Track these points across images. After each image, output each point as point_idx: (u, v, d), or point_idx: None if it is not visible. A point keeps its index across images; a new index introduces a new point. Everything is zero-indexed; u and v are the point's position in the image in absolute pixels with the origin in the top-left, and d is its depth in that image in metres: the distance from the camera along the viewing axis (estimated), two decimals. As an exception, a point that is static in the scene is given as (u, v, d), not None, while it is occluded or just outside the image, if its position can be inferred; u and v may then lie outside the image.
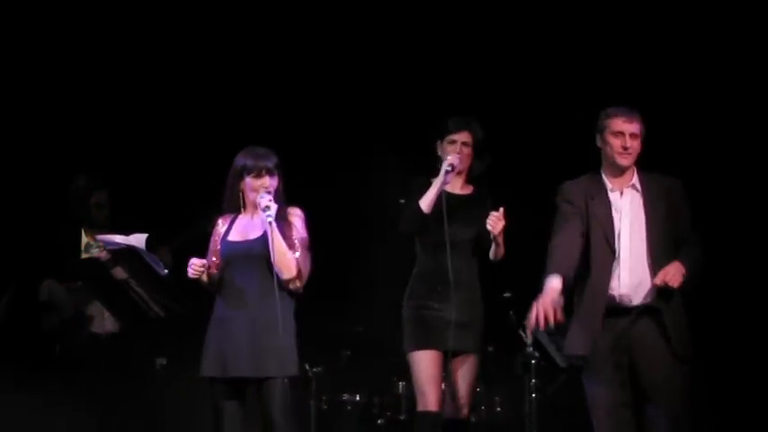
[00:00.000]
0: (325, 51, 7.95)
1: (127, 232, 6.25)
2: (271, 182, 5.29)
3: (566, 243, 5.22)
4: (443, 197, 5.75)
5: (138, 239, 6.06)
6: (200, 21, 7.81)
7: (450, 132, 5.90)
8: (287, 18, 7.89)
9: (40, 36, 7.64)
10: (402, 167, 7.49)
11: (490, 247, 5.76)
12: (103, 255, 5.62)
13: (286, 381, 5.15)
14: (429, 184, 5.80)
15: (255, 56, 7.95)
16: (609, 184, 5.30)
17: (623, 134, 5.22)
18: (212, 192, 6.90)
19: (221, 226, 5.38)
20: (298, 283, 5.26)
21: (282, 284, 5.21)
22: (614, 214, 5.25)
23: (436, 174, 5.80)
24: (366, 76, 7.89)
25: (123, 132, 7.79)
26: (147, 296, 5.61)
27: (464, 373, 5.80)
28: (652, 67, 7.41)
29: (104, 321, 6.46)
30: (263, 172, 5.28)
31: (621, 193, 5.28)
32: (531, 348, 7.25)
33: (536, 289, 6.96)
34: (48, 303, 6.55)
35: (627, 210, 5.25)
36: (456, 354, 5.79)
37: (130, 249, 5.67)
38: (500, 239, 5.69)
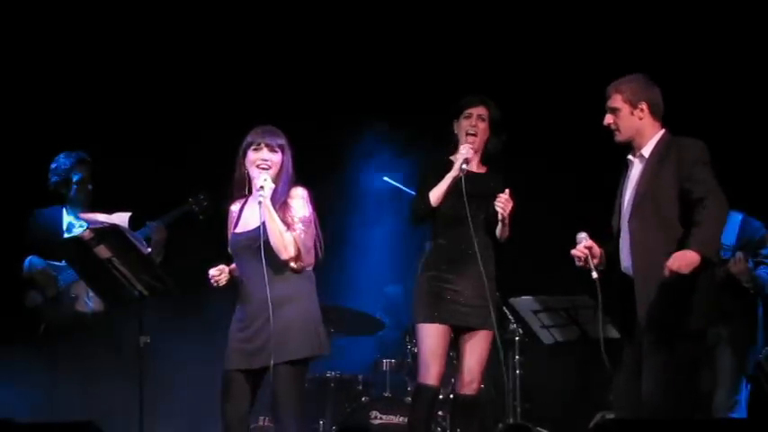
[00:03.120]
0: (316, 31, 7.96)
1: (110, 211, 6.24)
2: (270, 156, 5.26)
3: None
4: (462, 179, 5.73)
5: (121, 218, 6.03)
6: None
7: (467, 107, 5.90)
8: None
9: (17, 17, 7.61)
10: (394, 139, 7.53)
11: (497, 226, 5.78)
12: (86, 234, 5.58)
13: (288, 366, 5.13)
14: (445, 164, 5.79)
15: (236, 32, 7.94)
16: (630, 156, 5.31)
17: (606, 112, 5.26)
18: (197, 171, 6.93)
19: (232, 215, 5.38)
20: (300, 263, 5.21)
21: (286, 266, 5.19)
22: (625, 186, 5.28)
23: (453, 152, 5.80)
24: (364, 48, 7.92)
25: (105, 110, 7.77)
26: (131, 275, 5.58)
27: (474, 348, 5.79)
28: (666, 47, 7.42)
29: (88, 300, 6.44)
30: (262, 145, 5.26)
31: (634, 164, 5.27)
32: (515, 325, 7.29)
33: (520, 266, 7.03)
34: (30, 280, 6.53)
35: (632, 179, 5.25)
36: (468, 330, 5.79)
37: (114, 228, 5.64)
38: (507, 221, 5.71)
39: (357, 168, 7.89)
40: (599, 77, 5.44)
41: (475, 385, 5.80)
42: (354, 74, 7.99)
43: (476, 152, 5.87)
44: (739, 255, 6.38)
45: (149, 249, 5.84)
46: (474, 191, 5.74)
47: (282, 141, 5.31)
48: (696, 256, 4.92)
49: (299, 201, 5.27)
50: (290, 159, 5.33)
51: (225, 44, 7.94)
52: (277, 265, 5.18)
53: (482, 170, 5.95)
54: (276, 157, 5.28)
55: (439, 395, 5.91)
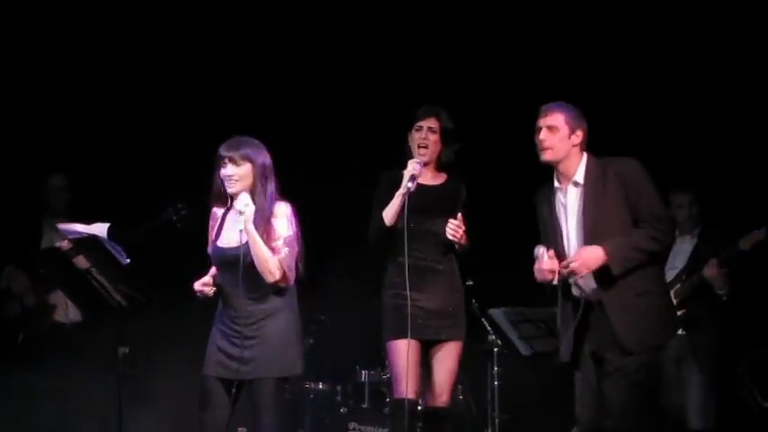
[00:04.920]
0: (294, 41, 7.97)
1: (88, 221, 6.23)
2: (235, 171, 5.11)
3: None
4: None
5: (100, 229, 6.02)
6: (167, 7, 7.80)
7: (417, 119, 5.89)
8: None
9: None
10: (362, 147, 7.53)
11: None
12: (65, 244, 5.57)
13: (270, 380, 5.11)
14: (399, 179, 5.75)
15: (220, 38, 7.94)
16: (556, 183, 5.22)
17: (541, 128, 5.15)
18: (176, 180, 6.90)
19: (215, 217, 5.29)
20: (284, 284, 5.16)
21: (269, 284, 5.13)
22: (560, 213, 5.18)
23: (404, 166, 5.76)
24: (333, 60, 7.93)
25: (84, 121, 7.74)
26: (110, 285, 5.57)
27: (442, 361, 5.79)
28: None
29: (67, 310, 6.43)
30: (226, 161, 5.12)
31: (566, 191, 5.18)
32: (494, 336, 7.31)
33: (497, 277, 7.05)
34: (7, 291, 6.51)
35: (571, 207, 5.16)
36: (435, 342, 5.80)
37: (92, 238, 5.64)
38: (463, 242, 5.72)
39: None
40: (575, 87, 5.46)
41: (444, 397, 5.79)
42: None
43: (427, 164, 5.84)
44: (713, 261, 6.43)
45: (128, 260, 5.83)
46: (429, 205, 5.75)
47: (248, 151, 5.14)
48: (601, 252, 4.92)
49: (283, 220, 5.16)
50: (266, 168, 5.16)
51: (210, 51, 7.93)
52: (259, 282, 5.11)
53: (439, 180, 5.92)
54: (242, 170, 5.13)
55: (417, 407, 5.90)
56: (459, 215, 5.67)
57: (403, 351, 5.67)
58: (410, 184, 5.63)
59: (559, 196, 5.19)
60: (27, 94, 7.59)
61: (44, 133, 7.45)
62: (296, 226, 5.20)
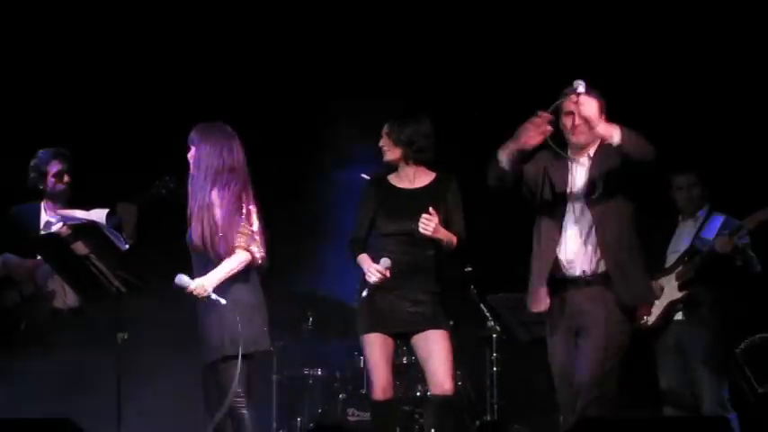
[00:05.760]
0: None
1: (87, 207, 6.22)
2: (189, 155, 5.51)
3: None
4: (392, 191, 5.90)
5: (99, 215, 6.02)
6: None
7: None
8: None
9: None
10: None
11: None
12: (64, 230, 5.56)
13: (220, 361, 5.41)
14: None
15: (208, 27, 7.95)
16: (571, 151, 5.43)
17: (572, 112, 5.33)
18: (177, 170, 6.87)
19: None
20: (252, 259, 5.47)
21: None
22: (568, 180, 5.40)
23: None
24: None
25: (86, 110, 7.75)
26: (108, 271, 5.56)
27: (431, 350, 5.78)
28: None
29: (65, 297, 6.42)
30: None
31: (578, 161, 5.40)
32: (492, 323, 7.31)
33: (496, 264, 7.05)
34: (6, 279, 6.50)
35: (580, 176, 5.38)
36: (413, 334, 5.80)
37: (91, 224, 5.63)
38: (442, 238, 5.75)
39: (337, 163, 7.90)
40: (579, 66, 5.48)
41: (447, 386, 5.77)
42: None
43: (391, 162, 5.94)
44: (724, 234, 6.39)
45: (127, 246, 5.82)
46: (410, 207, 5.78)
47: (193, 135, 5.51)
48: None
49: (217, 210, 5.43)
50: (205, 152, 5.47)
51: (194, 38, 7.94)
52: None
53: (424, 182, 5.94)
54: (190, 155, 5.51)
55: (391, 404, 5.87)
56: (431, 209, 5.68)
57: (373, 345, 5.78)
58: (364, 294, 5.77)
59: (571, 167, 5.40)
60: (32, 87, 7.62)
61: (48, 124, 7.45)
62: (229, 205, 5.43)
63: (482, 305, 7.23)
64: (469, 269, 7.12)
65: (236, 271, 5.42)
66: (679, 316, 6.55)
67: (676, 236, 6.70)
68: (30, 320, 6.43)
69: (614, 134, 5.15)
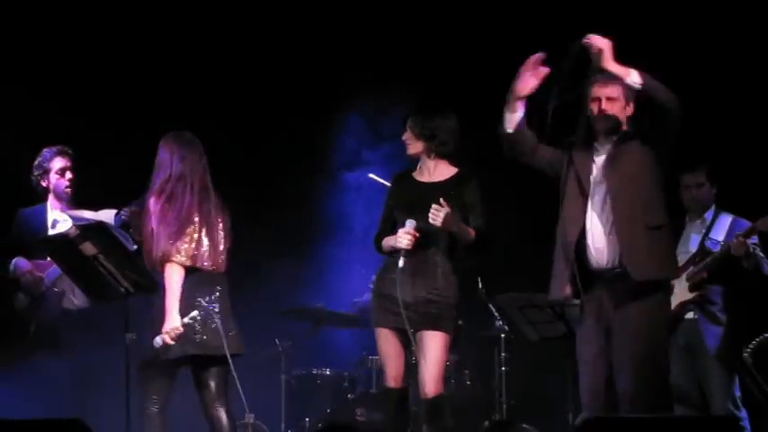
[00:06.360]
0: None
1: (95, 208, 6.23)
2: None
3: None
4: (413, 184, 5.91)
5: (107, 215, 6.04)
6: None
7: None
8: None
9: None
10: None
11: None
12: (72, 230, 5.57)
13: None
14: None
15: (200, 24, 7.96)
16: (597, 138, 5.43)
17: (600, 98, 5.35)
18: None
19: None
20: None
21: None
22: (593, 167, 5.38)
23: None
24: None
25: (91, 108, 7.75)
26: (117, 271, 5.57)
27: (425, 351, 5.76)
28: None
29: (74, 297, 6.43)
30: None
31: (602, 149, 5.40)
32: (501, 322, 7.30)
33: (504, 263, 7.04)
34: (16, 282, 6.52)
35: (604, 163, 5.36)
36: (415, 332, 5.78)
37: (99, 225, 5.64)
38: (454, 229, 5.73)
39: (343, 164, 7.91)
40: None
41: (430, 388, 5.73)
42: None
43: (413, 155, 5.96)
44: (739, 237, 6.38)
45: (135, 246, 5.83)
46: (426, 201, 5.74)
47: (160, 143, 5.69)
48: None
49: (151, 219, 5.56)
50: (158, 160, 5.67)
51: (199, 39, 7.96)
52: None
53: (445, 176, 5.92)
54: None
55: (405, 394, 5.87)
56: (442, 200, 5.69)
57: (384, 338, 5.82)
58: (400, 264, 5.72)
59: (596, 153, 5.41)
60: (37, 87, 7.61)
61: (53, 124, 7.45)
62: (159, 211, 5.55)
63: (490, 305, 7.22)
64: (477, 269, 7.11)
65: (177, 285, 5.49)
66: (690, 315, 6.55)
67: (684, 236, 6.69)
68: (40, 321, 6.44)
69: (632, 73, 5.16)
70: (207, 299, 5.50)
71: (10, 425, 4.50)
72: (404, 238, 5.73)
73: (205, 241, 5.60)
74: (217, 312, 5.51)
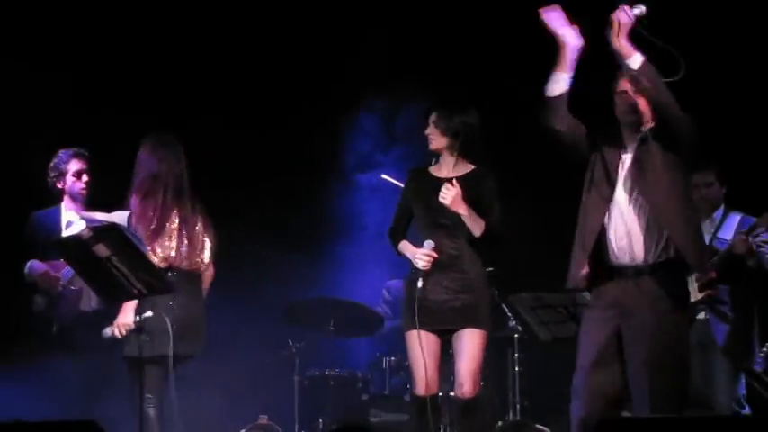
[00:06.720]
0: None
1: (109, 210, 6.24)
2: None
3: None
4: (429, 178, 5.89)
5: (121, 217, 6.04)
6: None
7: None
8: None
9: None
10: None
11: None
12: (85, 232, 5.58)
13: None
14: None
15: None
16: (624, 132, 5.36)
17: (626, 91, 5.31)
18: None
19: None
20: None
21: None
22: (621, 159, 5.31)
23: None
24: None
25: (103, 111, 7.77)
26: (130, 273, 5.57)
27: (461, 349, 5.75)
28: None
29: (90, 299, 6.45)
30: None
31: (630, 143, 5.33)
32: (514, 322, 7.30)
33: (517, 263, 7.03)
34: (33, 284, 6.55)
35: (631, 157, 5.29)
36: (453, 331, 5.77)
37: (112, 226, 5.65)
38: (464, 213, 5.71)
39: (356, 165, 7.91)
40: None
41: (466, 388, 5.72)
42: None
43: (435, 151, 5.93)
44: (741, 235, 6.36)
45: (148, 248, 5.84)
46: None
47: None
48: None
49: (133, 218, 5.76)
50: (138, 161, 5.85)
51: (206, 34, 7.97)
52: None
53: (462, 171, 5.92)
54: None
55: (433, 401, 5.78)
56: (455, 181, 5.69)
57: (416, 341, 5.72)
58: (419, 285, 5.73)
59: (624, 147, 5.33)
60: (49, 87, 7.63)
61: (65, 125, 7.47)
62: (141, 217, 5.78)
63: (503, 305, 7.22)
64: (491, 269, 7.10)
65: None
66: (701, 315, 6.53)
67: None
68: (59, 322, 6.47)
69: (635, 57, 5.13)
70: (173, 302, 5.62)
71: (25, 426, 4.52)
72: (421, 259, 5.72)
73: (183, 242, 5.67)
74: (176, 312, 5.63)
